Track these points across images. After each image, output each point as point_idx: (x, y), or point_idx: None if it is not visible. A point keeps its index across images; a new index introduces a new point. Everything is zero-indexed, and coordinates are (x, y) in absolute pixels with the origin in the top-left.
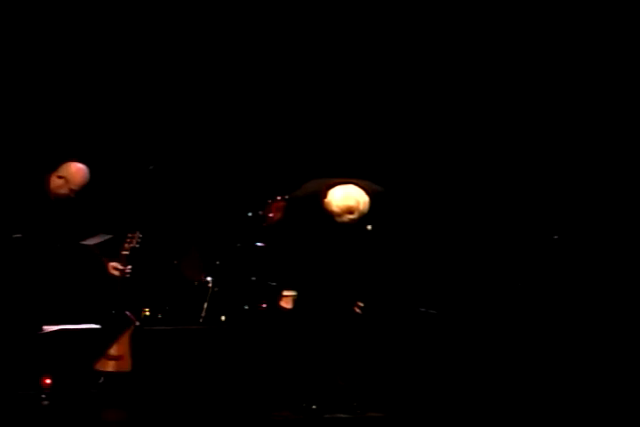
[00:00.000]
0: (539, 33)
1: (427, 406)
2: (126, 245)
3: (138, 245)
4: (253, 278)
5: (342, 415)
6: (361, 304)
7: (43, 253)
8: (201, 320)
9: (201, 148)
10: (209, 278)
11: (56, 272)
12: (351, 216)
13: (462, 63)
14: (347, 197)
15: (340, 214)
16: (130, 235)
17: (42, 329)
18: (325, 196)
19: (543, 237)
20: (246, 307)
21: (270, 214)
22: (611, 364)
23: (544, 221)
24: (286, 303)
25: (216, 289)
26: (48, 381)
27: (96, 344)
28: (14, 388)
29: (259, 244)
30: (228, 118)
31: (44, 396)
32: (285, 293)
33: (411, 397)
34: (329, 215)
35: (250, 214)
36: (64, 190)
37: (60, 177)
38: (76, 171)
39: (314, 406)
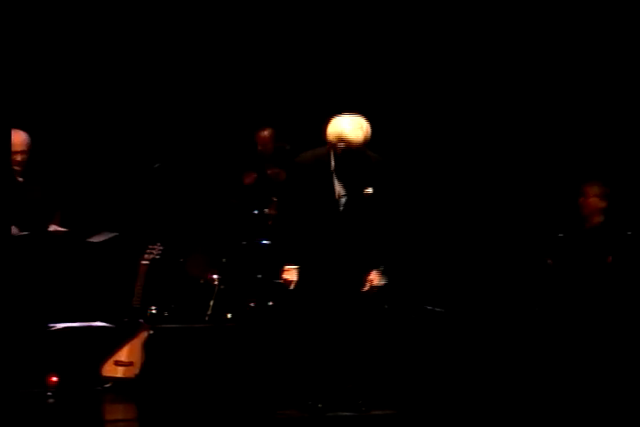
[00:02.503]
0: (539, 32)
1: (433, 404)
2: (146, 256)
3: (158, 257)
4: (259, 276)
5: (347, 414)
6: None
7: (43, 252)
8: (207, 318)
9: (207, 146)
10: (215, 276)
11: (60, 270)
12: (356, 139)
13: (461, 59)
14: (351, 121)
15: (344, 137)
16: (150, 246)
17: (48, 327)
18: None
19: (548, 235)
20: (252, 305)
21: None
22: (612, 363)
23: (550, 219)
24: (289, 275)
25: (222, 287)
26: (54, 378)
27: (103, 343)
28: (20, 386)
29: (264, 241)
30: (232, 117)
31: (49, 394)
32: (288, 266)
33: (417, 395)
34: (331, 172)
35: (255, 212)
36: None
37: None
38: (14, 134)
39: (319, 405)
